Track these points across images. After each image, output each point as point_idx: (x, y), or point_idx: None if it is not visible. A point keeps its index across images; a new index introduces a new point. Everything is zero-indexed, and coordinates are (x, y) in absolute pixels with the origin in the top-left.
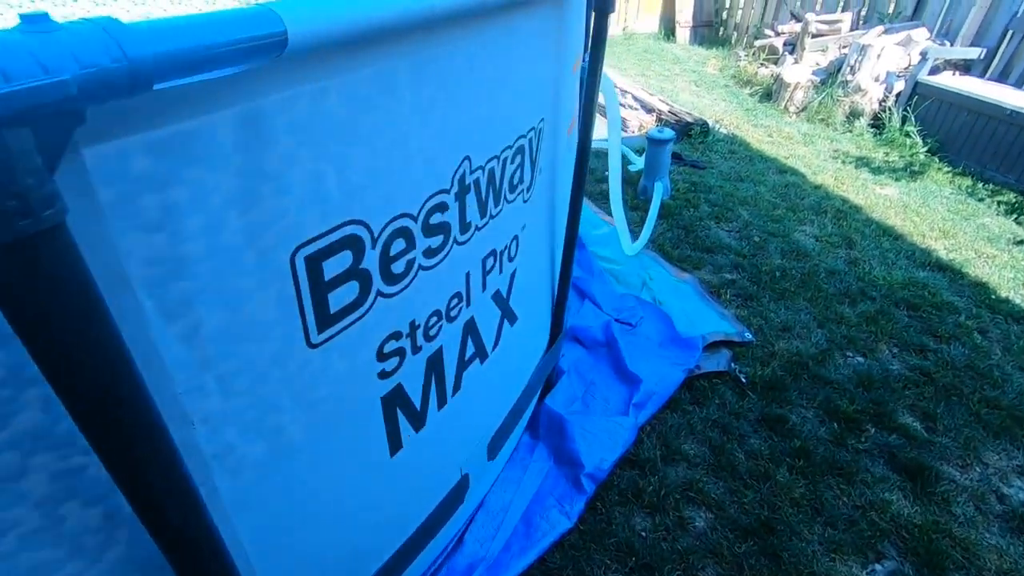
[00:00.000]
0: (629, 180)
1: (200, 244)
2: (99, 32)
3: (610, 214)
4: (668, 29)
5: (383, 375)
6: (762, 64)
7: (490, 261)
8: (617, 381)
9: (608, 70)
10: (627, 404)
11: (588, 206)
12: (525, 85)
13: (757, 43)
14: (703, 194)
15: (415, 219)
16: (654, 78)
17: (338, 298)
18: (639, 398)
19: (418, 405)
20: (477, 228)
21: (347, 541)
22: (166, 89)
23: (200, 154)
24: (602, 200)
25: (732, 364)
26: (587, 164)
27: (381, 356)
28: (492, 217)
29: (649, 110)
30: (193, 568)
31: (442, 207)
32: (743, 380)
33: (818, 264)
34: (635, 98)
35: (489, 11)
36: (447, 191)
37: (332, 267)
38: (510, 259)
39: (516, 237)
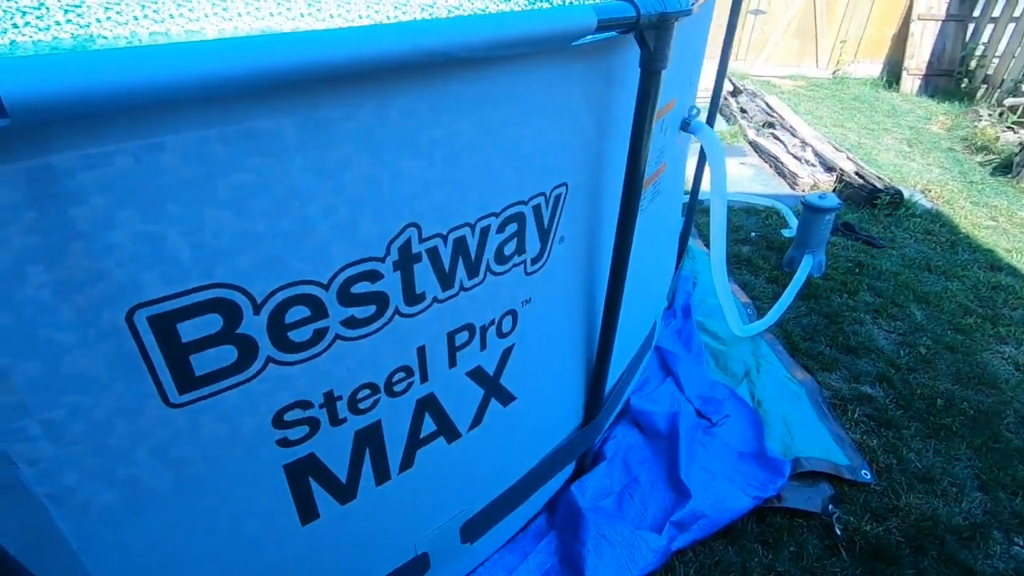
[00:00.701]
0: (780, 246)
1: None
2: None
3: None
4: (892, 76)
5: (285, 443)
6: (1009, 128)
7: (462, 336)
8: (665, 487)
9: (799, 117)
10: (666, 519)
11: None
12: (527, 148)
13: (1009, 101)
14: (868, 279)
15: (324, 287)
16: (854, 131)
17: (205, 361)
18: (682, 516)
19: (343, 478)
20: (437, 300)
21: None
22: None
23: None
24: (730, 263)
25: (830, 506)
26: (631, 230)
27: (280, 423)
28: (465, 289)
29: (829, 168)
30: None
31: (371, 276)
32: (838, 532)
33: (1008, 402)
34: (816, 152)
35: (424, 68)
36: (379, 259)
37: (192, 330)
38: (500, 335)
39: (512, 312)
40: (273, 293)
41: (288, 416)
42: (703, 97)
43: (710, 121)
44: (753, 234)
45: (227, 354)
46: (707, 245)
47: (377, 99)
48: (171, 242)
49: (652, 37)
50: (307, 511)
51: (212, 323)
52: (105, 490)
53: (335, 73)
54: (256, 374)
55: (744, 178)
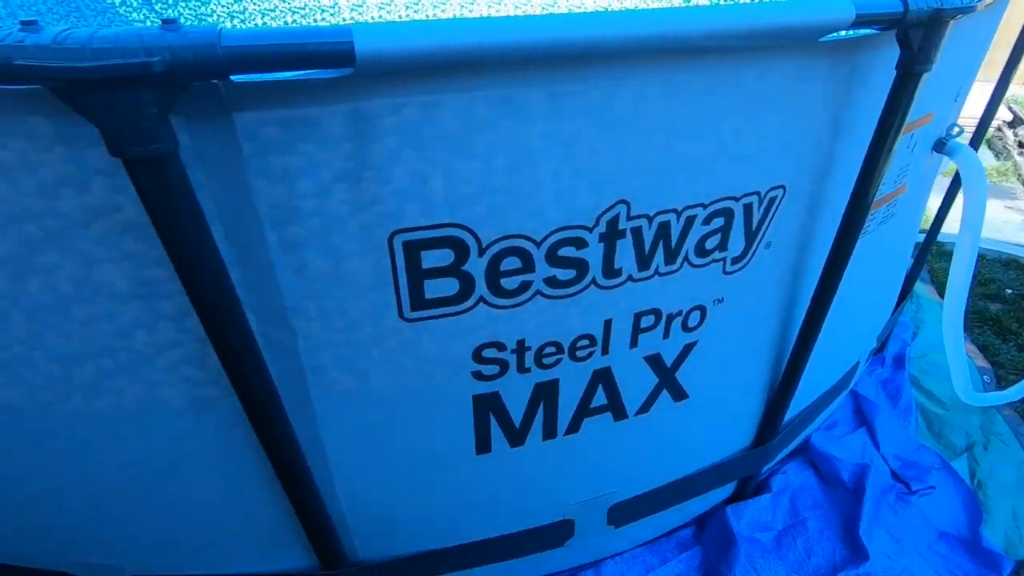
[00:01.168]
0: None
1: (311, 203)
2: (194, 33)
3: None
4: None
5: (478, 376)
6: None
7: (648, 319)
8: (837, 540)
9: None
10: (832, 574)
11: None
12: (747, 144)
13: None
14: None
15: (536, 244)
16: None
17: (434, 287)
18: None
19: (517, 423)
20: (631, 279)
21: (417, 500)
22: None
23: (315, 136)
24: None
25: None
26: (848, 250)
27: (479, 357)
28: (660, 274)
29: None
30: (272, 441)
31: (577, 243)
32: None
33: None
34: None
35: (663, 53)
36: (587, 228)
37: (430, 259)
38: (685, 328)
39: (701, 307)
40: (496, 241)
41: (485, 353)
42: (967, 123)
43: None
44: (1009, 291)
45: (451, 286)
46: (940, 294)
47: (611, 80)
48: (432, 183)
49: (918, 36)
50: (482, 443)
51: (445, 256)
52: (345, 376)
53: (599, 51)
54: (468, 309)
55: (1009, 225)
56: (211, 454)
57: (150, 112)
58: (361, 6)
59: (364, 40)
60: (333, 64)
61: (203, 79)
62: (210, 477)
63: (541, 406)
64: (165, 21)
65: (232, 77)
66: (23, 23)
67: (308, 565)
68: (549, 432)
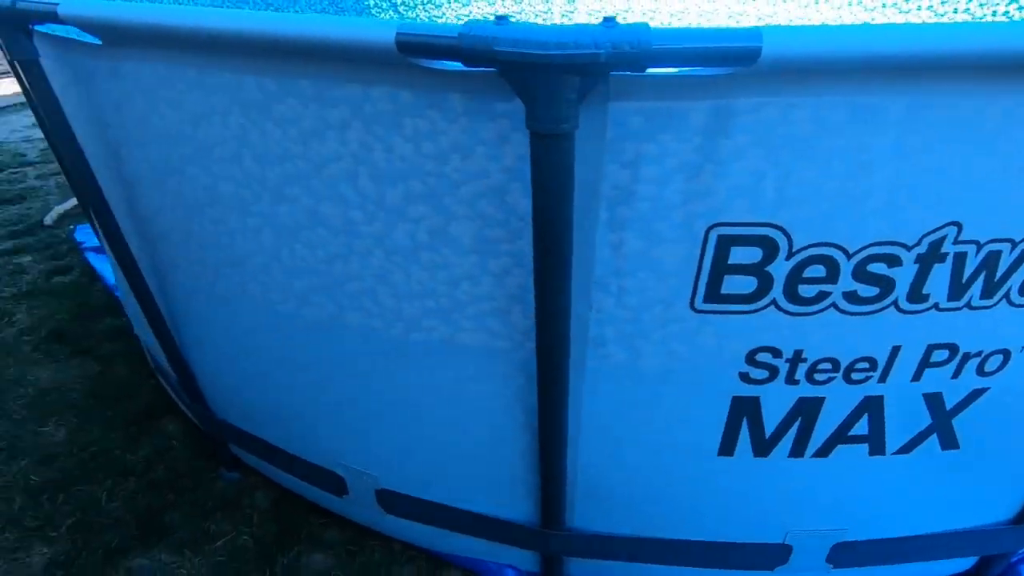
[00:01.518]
0: None
1: (648, 188)
2: (634, 30)
3: None
4: None
5: (744, 377)
6: None
7: (940, 354)
8: None
9: None
10: None
11: None
12: None
13: None
14: None
15: (847, 255)
16: None
17: (732, 283)
18: None
19: (768, 433)
20: (937, 307)
21: (646, 485)
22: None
23: (672, 127)
24: None
25: None
26: None
27: (751, 360)
28: (971, 308)
29: None
30: (549, 397)
31: (890, 260)
32: None
33: None
34: None
35: None
36: (905, 246)
37: (739, 255)
38: (980, 372)
39: (1006, 352)
40: (807, 247)
41: (759, 356)
42: None
43: None
44: None
45: (748, 284)
46: None
47: (982, 94)
48: (766, 181)
49: None
50: (727, 445)
51: (753, 255)
52: (622, 351)
53: (981, 63)
54: (758, 310)
55: None
56: (485, 398)
57: (571, 96)
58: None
59: (772, 42)
60: (734, 63)
61: (627, 70)
62: (478, 418)
63: (798, 422)
64: (605, 19)
65: (648, 70)
66: (498, 18)
67: (528, 519)
68: (797, 450)
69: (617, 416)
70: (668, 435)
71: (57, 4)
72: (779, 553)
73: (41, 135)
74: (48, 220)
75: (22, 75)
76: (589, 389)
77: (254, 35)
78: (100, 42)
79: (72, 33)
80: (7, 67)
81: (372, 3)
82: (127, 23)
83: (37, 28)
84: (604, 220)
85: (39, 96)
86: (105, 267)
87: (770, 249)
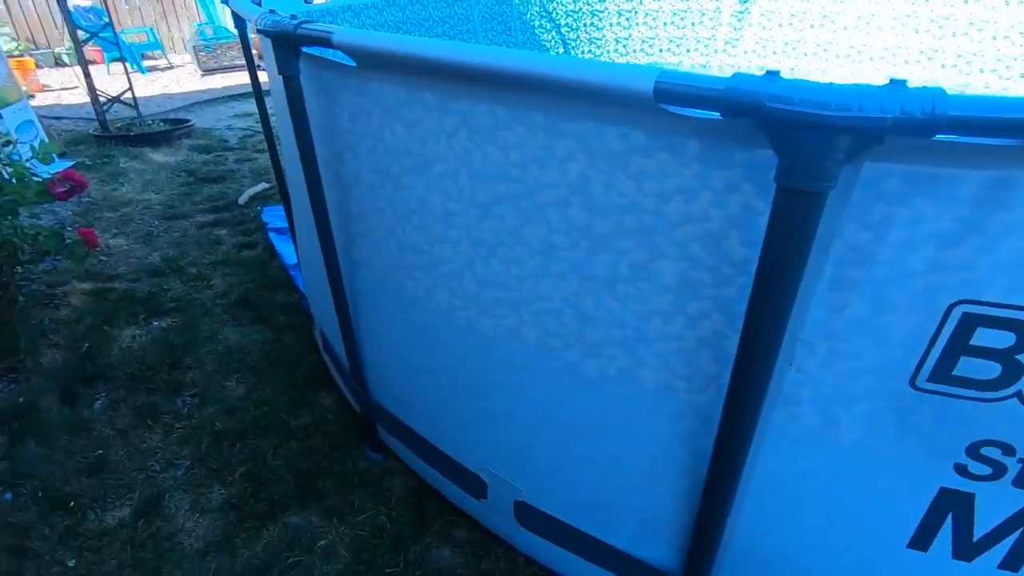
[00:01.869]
0: None
1: (890, 252)
2: (927, 95)
3: None
4: None
5: (961, 471)
6: None
7: None
8: None
9: None
10: None
11: None
12: None
13: None
14: None
15: None
16: None
17: (970, 366)
18: None
19: (976, 535)
20: None
21: (813, 557)
22: (943, 141)
23: (935, 194)
24: None
25: None
26: None
27: (973, 452)
28: None
29: None
30: (727, 446)
31: None
32: None
33: None
34: None
35: None
36: None
37: (986, 337)
38: None
39: None
40: None
41: (984, 451)
42: None
43: None
44: None
45: (990, 370)
46: None
47: None
48: None
49: None
50: (922, 538)
51: (1004, 339)
52: (815, 416)
53: None
54: (996, 400)
55: None
56: (650, 434)
57: (839, 156)
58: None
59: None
60: None
61: (910, 136)
62: (637, 452)
63: (1020, 531)
64: (892, 81)
65: (935, 137)
66: (768, 73)
67: (667, 566)
68: (1012, 561)
69: (795, 480)
70: (851, 512)
71: (331, 33)
72: None
73: (241, 125)
74: (241, 200)
75: (284, 88)
76: (770, 446)
77: (504, 71)
78: (355, 64)
79: (329, 55)
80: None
81: (536, 23)
82: (386, 51)
83: (304, 50)
84: (828, 278)
85: (292, 105)
86: (284, 247)
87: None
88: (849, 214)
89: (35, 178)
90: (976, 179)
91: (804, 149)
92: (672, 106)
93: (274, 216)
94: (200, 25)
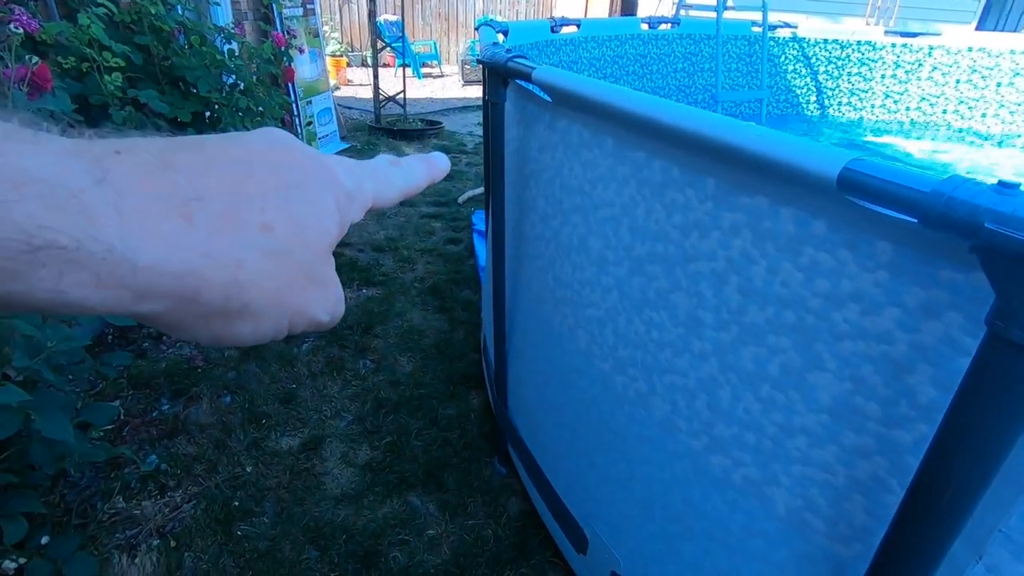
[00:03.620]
0: None
1: None
2: None
3: None
4: None
5: None
6: None
7: None
8: None
9: None
10: None
11: None
12: None
13: None
14: None
15: None
16: None
17: None
18: None
19: None
20: None
21: None
22: None
23: None
24: None
25: None
26: None
27: None
28: None
29: None
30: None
31: None
32: None
33: None
34: None
35: None
36: None
37: None
38: None
39: None
40: None
41: None
42: None
43: None
44: None
45: None
46: None
47: None
48: None
49: None
50: None
51: None
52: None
53: None
54: None
55: None
56: (769, 568)
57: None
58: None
59: None
60: None
61: None
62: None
63: None
64: None
65: None
66: (1001, 184)
67: None
68: None
69: None
70: None
71: (534, 69)
72: None
73: (479, 132)
74: (460, 199)
75: (488, 111)
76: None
77: (676, 128)
78: (550, 99)
79: (532, 88)
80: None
81: (790, 68)
82: (571, 91)
83: (517, 81)
84: None
85: (493, 127)
86: (481, 249)
87: None
88: None
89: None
90: None
91: (1016, 281)
92: (857, 198)
93: (481, 219)
94: (473, 42)
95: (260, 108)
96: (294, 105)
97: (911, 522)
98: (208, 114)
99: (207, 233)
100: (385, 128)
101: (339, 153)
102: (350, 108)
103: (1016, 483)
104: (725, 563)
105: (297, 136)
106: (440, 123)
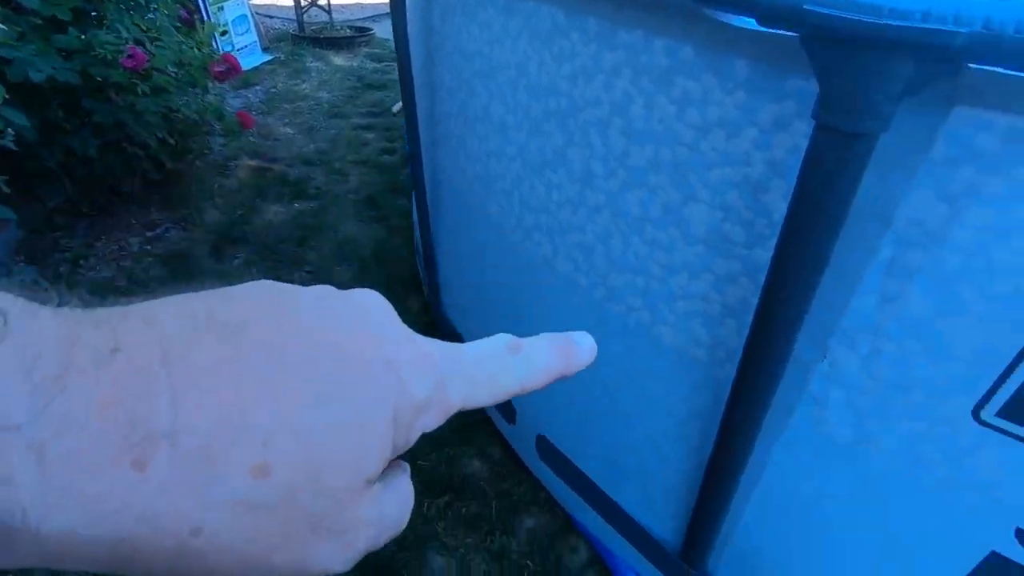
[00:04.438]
0: None
1: (971, 236)
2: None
3: None
4: None
5: (1022, 537)
6: None
7: None
8: None
9: None
10: None
11: None
12: None
13: None
14: None
15: None
16: None
17: None
18: None
19: None
20: None
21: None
22: None
23: None
24: None
25: None
26: None
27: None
28: None
29: None
30: (734, 429)
31: None
32: None
33: None
34: None
35: None
36: None
37: None
38: None
39: None
40: None
41: None
42: None
43: None
44: None
45: None
46: None
47: None
48: None
49: None
50: None
51: None
52: (845, 428)
53: None
54: None
55: None
56: (663, 402)
57: (893, 87)
58: None
59: None
60: None
61: (999, 64)
62: (649, 419)
63: None
64: None
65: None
66: None
67: (670, 542)
68: None
69: (810, 497)
70: (872, 550)
71: None
72: None
73: None
74: (395, 109)
75: None
76: (784, 449)
77: None
78: None
79: None
80: None
81: None
82: None
83: None
84: (884, 260)
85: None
86: None
87: None
88: (923, 177)
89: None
90: None
91: (845, 72)
92: (708, 7)
93: None
94: None
95: (152, 3)
96: (200, 3)
97: (762, 326)
98: (94, 13)
99: (158, 487)
100: (310, 37)
101: (225, 55)
102: (272, 17)
103: (848, 284)
104: (628, 405)
105: (209, 45)
106: (370, 29)
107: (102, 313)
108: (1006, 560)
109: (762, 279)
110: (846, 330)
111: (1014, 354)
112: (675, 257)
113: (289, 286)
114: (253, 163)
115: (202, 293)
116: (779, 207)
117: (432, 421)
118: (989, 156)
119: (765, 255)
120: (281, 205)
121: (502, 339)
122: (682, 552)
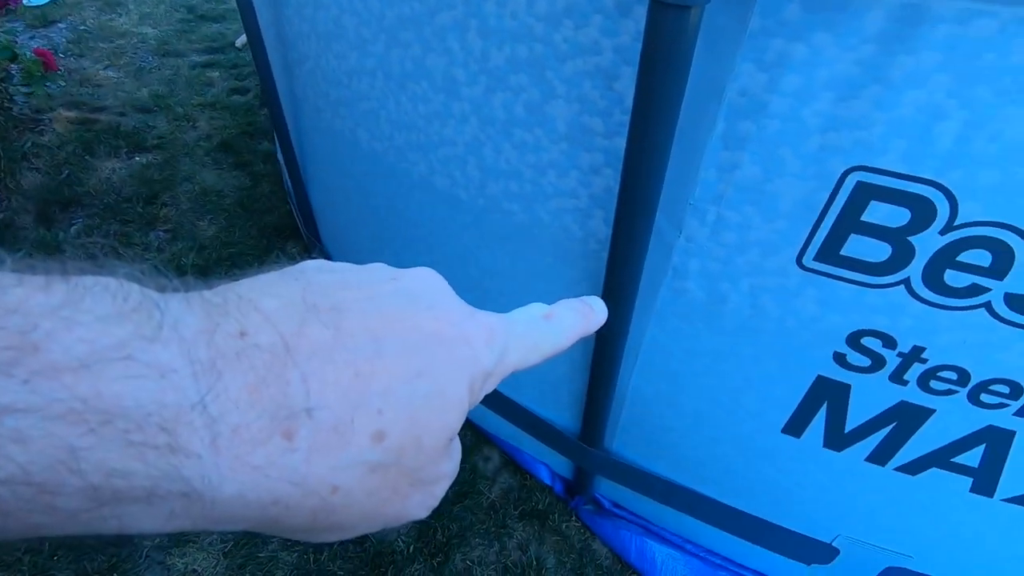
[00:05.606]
0: None
1: (783, 102)
2: None
3: None
4: None
5: (840, 360)
6: None
7: None
8: None
9: None
10: None
11: None
12: None
13: None
14: None
15: None
16: None
17: (861, 246)
18: None
19: (848, 427)
20: None
21: (694, 433)
22: None
23: (837, 25)
24: None
25: None
26: None
27: (853, 341)
28: None
29: None
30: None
31: None
32: None
33: None
34: None
35: None
36: None
37: (879, 213)
38: None
39: None
40: (973, 224)
41: (865, 341)
42: None
43: None
44: None
45: (879, 251)
46: None
47: None
48: (945, 123)
49: None
50: (796, 425)
51: (898, 216)
52: (702, 291)
53: None
54: (883, 286)
55: None
56: (548, 297)
57: None
58: None
59: None
60: None
61: None
62: None
63: (891, 427)
64: None
65: None
66: None
67: (570, 429)
68: (879, 457)
69: (680, 357)
70: (729, 393)
71: None
72: (822, 552)
73: None
74: (238, 43)
75: None
76: (657, 320)
77: None
78: None
79: None
80: None
81: None
82: None
83: None
84: (719, 133)
85: None
86: None
87: (923, 214)
88: (745, 50)
89: None
90: (884, 7)
91: None
92: None
93: None
94: None
95: None
96: None
97: (624, 211)
98: None
99: (305, 455)
100: None
101: None
102: None
103: (694, 160)
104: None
105: None
106: None
107: (217, 299)
108: (830, 380)
109: (621, 166)
110: (696, 203)
111: (821, 206)
112: (542, 157)
113: (344, 265)
114: (72, 114)
115: (275, 275)
116: (630, 93)
117: (494, 384)
118: (794, 24)
119: (622, 142)
120: (118, 160)
121: (537, 308)
122: (582, 435)
